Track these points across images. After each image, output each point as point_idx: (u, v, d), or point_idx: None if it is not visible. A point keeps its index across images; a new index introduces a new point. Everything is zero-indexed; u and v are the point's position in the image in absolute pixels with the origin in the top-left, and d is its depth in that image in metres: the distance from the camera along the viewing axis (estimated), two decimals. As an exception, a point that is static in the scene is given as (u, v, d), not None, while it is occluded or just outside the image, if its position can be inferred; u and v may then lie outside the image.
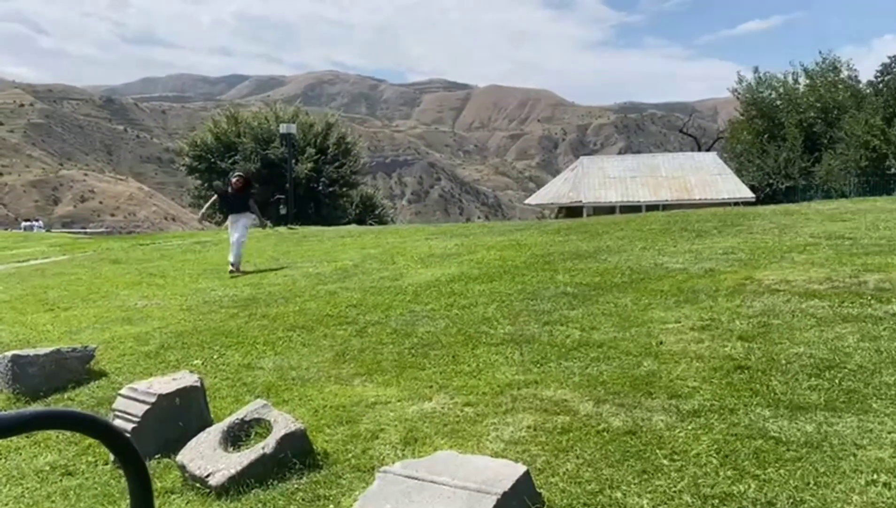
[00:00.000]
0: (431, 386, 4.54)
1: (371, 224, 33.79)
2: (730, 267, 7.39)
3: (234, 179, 11.83)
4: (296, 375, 5.18)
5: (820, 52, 48.23)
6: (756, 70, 48.62)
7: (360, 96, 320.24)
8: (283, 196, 24.37)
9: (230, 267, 10.62)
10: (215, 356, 5.90)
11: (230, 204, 11.62)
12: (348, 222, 28.98)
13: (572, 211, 31.51)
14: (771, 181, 42.89)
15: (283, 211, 23.73)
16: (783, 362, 4.17)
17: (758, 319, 5.21)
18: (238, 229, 11.04)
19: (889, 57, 45.22)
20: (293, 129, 25.97)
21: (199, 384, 4.44)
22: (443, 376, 4.74)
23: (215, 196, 12.70)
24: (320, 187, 29.77)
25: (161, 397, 4.24)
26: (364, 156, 39.18)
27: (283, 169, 26.15)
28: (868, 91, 45.18)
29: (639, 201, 31.48)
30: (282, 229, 19.28)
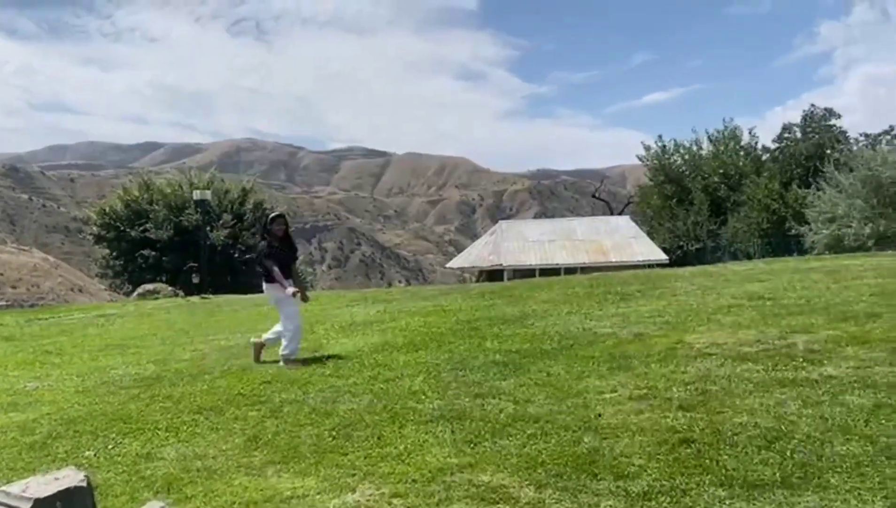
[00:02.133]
0: (355, 474, 4.08)
1: (290, 291, 32.82)
2: (659, 331, 7.28)
3: (276, 224, 7.71)
4: (201, 465, 4.61)
5: (723, 121, 51.06)
6: (660, 138, 51.03)
7: (279, 163, 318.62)
8: (196, 264, 23.39)
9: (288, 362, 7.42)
10: (110, 446, 5.25)
11: (285, 259, 7.69)
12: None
13: (493, 274, 31.59)
14: (681, 243, 44.46)
15: (195, 280, 22.73)
16: (729, 433, 3.94)
17: (695, 385, 5.02)
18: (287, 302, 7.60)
19: (784, 125, 48.38)
20: (207, 195, 25.22)
21: (85, 483, 3.81)
22: (367, 461, 4.29)
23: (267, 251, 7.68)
24: (237, 255, 28.86)
25: (38, 502, 3.62)
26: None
27: (197, 237, 25.23)
28: (766, 157, 47.98)
29: (558, 264, 31.87)
30: (195, 299, 18.38)
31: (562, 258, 32.78)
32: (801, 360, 5.43)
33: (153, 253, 27.48)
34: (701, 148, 49.72)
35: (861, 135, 44.57)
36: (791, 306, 7.82)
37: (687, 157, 49.97)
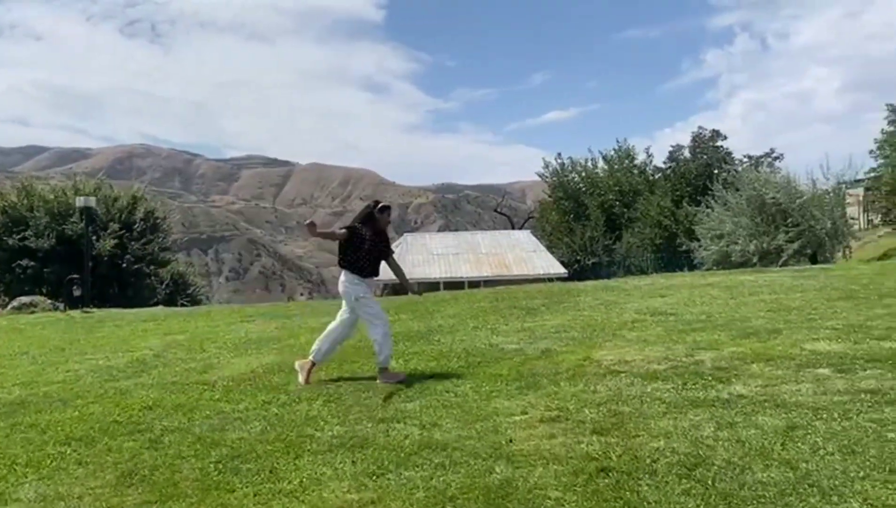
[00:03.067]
0: (242, 515, 3.63)
1: (183, 304, 31.32)
2: (566, 347, 7.14)
3: (386, 214, 6.66)
4: (64, 507, 4.03)
5: (616, 141, 52.84)
6: (559, 155, 52.36)
7: (174, 171, 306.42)
8: (77, 276, 21.78)
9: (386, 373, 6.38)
10: (-46, 487, 4.54)
11: (374, 256, 6.56)
12: (157, 303, 26.60)
13: (398, 288, 31.23)
14: (578, 258, 45.55)
15: (77, 293, 21.15)
16: (647, 460, 3.74)
17: (606, 406, 4.84)
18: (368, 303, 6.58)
19: (672, 146, 50.52)
20: (92, 202, 23.58)
21: None
22: (257, 499, 3.84)
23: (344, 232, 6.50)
24: (125, 265, 27.18)
25: None
26: (177, 232, 36.77)
27: (81, 246, 23.56)
28: (658, 176, 49.97)
29: (462, 277, 31.86)
30: (75, 313, 17.04)
31: (466, 272, 32.81)
32: (709, 378, 5.36)
33: (32, 263, 25.50)
34: (597, 166, 51.32)
35: (745, 156, 47.11)
36: (694, 322, 7.86)
37: (584, 174, 51.42)
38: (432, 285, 29.89)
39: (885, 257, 29.98)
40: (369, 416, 5.18)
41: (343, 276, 6.58)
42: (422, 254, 33.66)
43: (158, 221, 31.64)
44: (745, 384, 5.12)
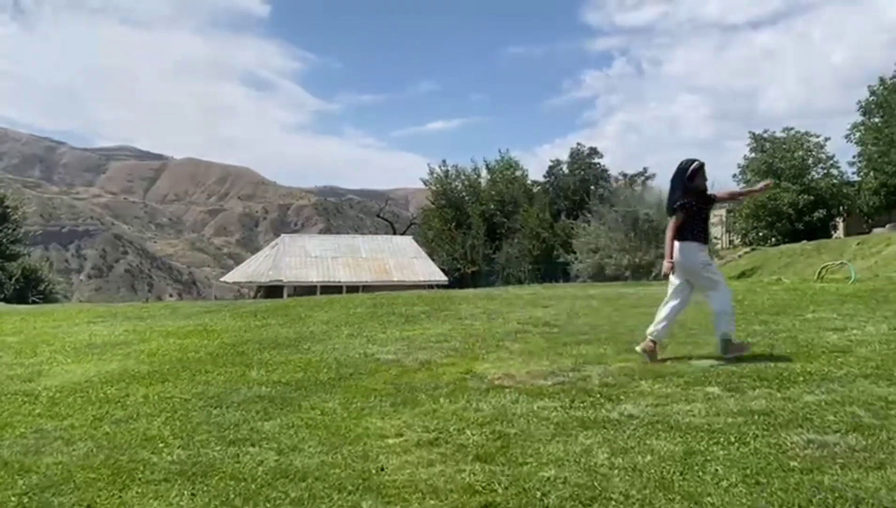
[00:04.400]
0: (36, 573, 2.85)
1: (35, 302, 28.70)
2: (446, 358, 6.65)
3: (699, 179, 6.20)
4: None
5: (499, 151, 53.65)
6: (444, 163, 52.49)
7: (35, 158, 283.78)
8: None
9: (730, 345, 6.11)
10: None
11: (707, 221, 6.43)
12: (4, 299, 24.09)
13: (272, 290, 29.92)
14: (459, 266, 45.76)
15: None
16: (537, 493, 3.28)
17: (490, 427, 4.36)
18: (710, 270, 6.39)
19: (552, 161, 51.87)
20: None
21: None
22: (61, 547, 3.06)
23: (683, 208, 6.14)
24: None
25: None
26: (32, 224, 33.72)
27: None
28: (538, 189, 51.11)
29: (340, 282, 31.00)
30: None
31: (345, 276, 31.95)
32: (598, 396, 5.01)
33: None
34: (480, 175, 51.88)
35: (620, 174, 49.07)
36: (578, 334, 7.59)
37: (467, 183, 51.83)
38: (308, 289, 28.84)
39: (743, 275, 31.83)
40: (219, 437, 4.45)
41: (682, 247, 6.19)
42: (299, 256, 32.48)
43: (9, 210, 28.83)
44: (636, 402, 4.80)
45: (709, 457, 3.63)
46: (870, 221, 40.99)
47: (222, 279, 37.05)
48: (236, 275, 33.56)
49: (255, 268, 32.80)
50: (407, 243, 38.77)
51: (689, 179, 6.14)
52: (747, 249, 40.94)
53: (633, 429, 4.19)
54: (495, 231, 48.20)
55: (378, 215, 66.85)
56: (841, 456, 3.48)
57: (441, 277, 34.37)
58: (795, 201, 40.83)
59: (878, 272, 17.00)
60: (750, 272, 31.84)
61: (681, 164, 6.21)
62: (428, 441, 4.14)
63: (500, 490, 3.34)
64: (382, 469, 3.73)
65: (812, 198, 41.28)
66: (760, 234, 43.15)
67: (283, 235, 37.55)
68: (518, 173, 51.47)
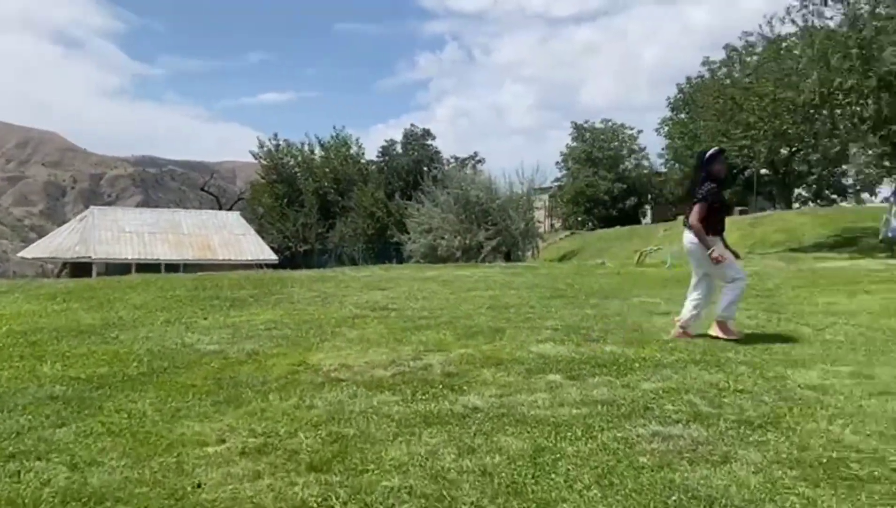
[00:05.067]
0: None
1: None
2: (276, 348, 6.12)
3: (718, 163, 6.24)
4: None
5: (333, 128, 52.57)
6: (275, 136, 50.60)
7: None
8: None
9: (723, 329, 6.19)
10: None
11: (721, 209, 6.37)
12: None
13: (80, 268, 27.24)
14: (290, 244, 44.46)
15: None
16: (380, 507, 2.92)
17: (326, 429, 3.95)
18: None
19: (386, 141, 51.68)
20: None
21: None
22: None
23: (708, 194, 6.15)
24: None
25: None
26: None
27: None
28: (373, 168, 50.72)
29: (158, 259, 28.88)
30: None
31: (164, 253, 29.81)
32: (440, 387, 4.75)
33: None
34: (314, 152, 50.58)
35: (452, 157, 49.91)
36: (417, 319, 7.33)
37: (300, 158, 50.36)
38: (122, 268, 26.60)
39: (564, 257, 33.51)
40: (-6, 452, 3.68)
41: (688, 235, 6.22)
42: (111, 231, 29.86)
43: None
44: (479, 393, 4.58)
45: (558, 455, 3.46)
46: (674, 208, 44.77)
47: (21, 255, 33.30)
48: (37, 250, 30.28)
49: (59, 243, 29.75)
50: (234, 219, 36.90)
51: (709, 162, 6.16)
52: (568, 232, 43.26)
53: (479, 424, 3.95)
54: (329, 209, 47.30)
55: (203, 189, 63.32)
56: (687, 451, 3.44)
57: (271, 255, 33.09)
58: (611, 189, 43.71)
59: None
60: (571, 255, 33.59)
61: (699, 153, 6.51)
62: (255, 449, 3.65)
63: (337, 507, 2.95)
64: (200, 486, 3.20)
65: (625, 186, 44.40)
66: (580, 219, 45.79)
67: (92, 207, 34.31)
68: (353, 151, 50.73)
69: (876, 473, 3.10)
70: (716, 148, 6.42)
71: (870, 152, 19.62)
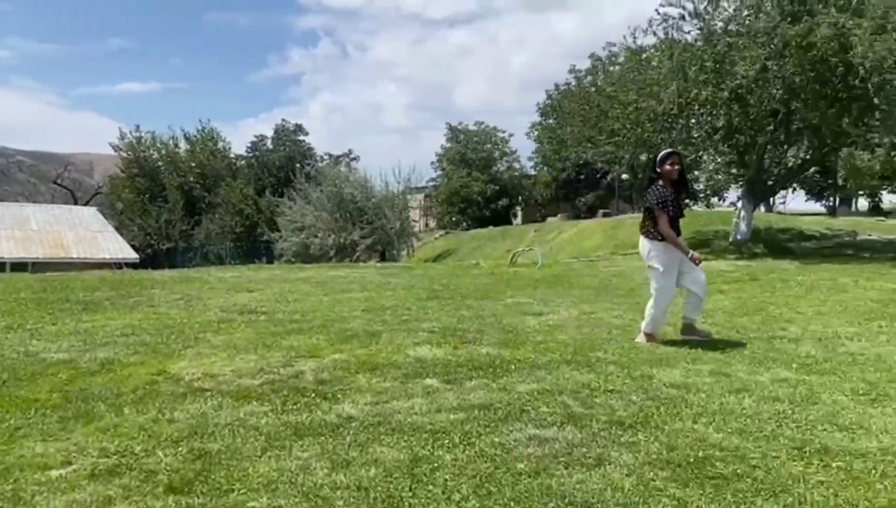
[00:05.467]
0: None
1: None
2: (134, 356, 5.68)
3: (670, 163, 6.03)
4: None
5: (199, 121, 50.44)
6: (137, 128, 47.95)
7: None
8: None
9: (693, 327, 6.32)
10: None
11: (676, 211, 6.10)
12: None
13: None
14: (153, 242, 42.18)
15: None
16: (248, 532, 2.72)
17: (188, 444, 3.67)
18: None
19: (256, 136, 50.20)
20: None
21: None
22: None
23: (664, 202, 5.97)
24: None
25: None
26: None
27: None
28: (242, 164, 49.06)
29: (2, 258, 26.51)
30: None
31: (8, 250, 27.41)
32: (313, 395, 4.55)
33: None
34: (178, 145, 48.31)
35: (326, 154, 49.18)
36: (288, 323, 7.05)
37: (164, 152, 47.95)
38: (-42, 266, 24.21)
39: (439, 257, 33.80)
40: None
41: (645, 240, 6.14)
42: (-54, 226, 27.12)
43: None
44: (354, 401, 4.43)
45: (436, 464, 3.37)
46: (543, 210, 46.32)
47: None
48: None
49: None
50: (90, 214, 34.51)
51: (660, 162, 6.04)
52: (443, 232, 43.72)
53: (354, 435, 3.80)
54: (195, 206, 45.31)
55: (56, 182, 58.84)
56: (562, 454, 3.45)
57: (131, 254, 31.20)
58: (484, 190, 44.60)
59: (556, 258, 19.01)
60: (446, 254, 33.92)
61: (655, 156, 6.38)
62: (106, 470, 3.32)
63: (200, 533, 2.72)
64: (39, 517, 2.87)
65: (497, 188, 45.45)
66: (454, 218, 46.40)
67: (-77, 200, 31.00)
68: (220, 146, 48.85)
69: (738, 471, 3.23)
70: (668, 150, 6.43)
71: (718, 160, 21.08)
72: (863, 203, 44.70)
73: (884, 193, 43.04)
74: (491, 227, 39.04)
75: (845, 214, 33.58)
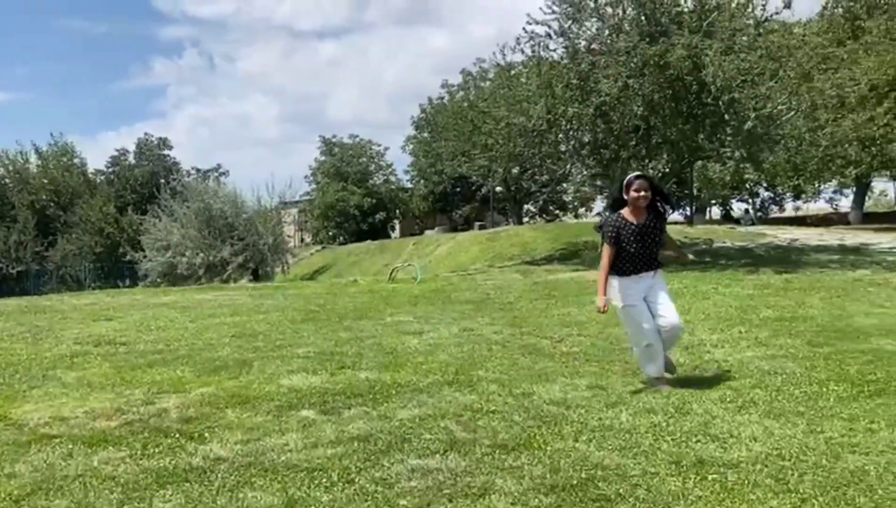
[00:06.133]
0: None
1: None
2: (-32, 401, 5.06)
3: (633, 189, 5.03)
4: None
5: (52, 135, 47.13)
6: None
7: None
8: None
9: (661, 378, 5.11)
10: None
11: (641, 243, 5.09)
12: None
13: None
14: (1, 265, 38.88)
15: None
16: None
17: (30, 503, 3.26)
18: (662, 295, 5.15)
19: (117, 150, 47.47)
20: None
21: None
22: None
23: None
24: None
25: None
26: None
27: None
28: (101, 180, 46.24)
29: None
30: None
31: None
32: (177, 436, 4.20)
33: None
34: (28, 161, 44.92)
35: (193, 168, 47.17)
36: (151, 354, 6.56)
37: (11, 169, 44.44)
38: None
39: (317, 273, 33.15)
40: None
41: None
42: None
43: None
44: (223, 440, 4.12)
45: (312, 507, 3.16)
46: (420, 223, 46.58)
47: None
48: None
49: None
50: (-78, 237, 31.23)
51: (625, 188, 5.10)
52: (319, 247, 42.97)
53: (223, 479, 3.52)
54: (48, 225, 42.16)
55: None
56: (447, 486, 3.33)
57: (-28, 279, 28.47)
58: (361, 204, 44.29)
59: (435, 272, 19.04)
60: (323, 270, 33.33)
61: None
62: (-74, 545, 2.88)
63: None
64: None
65: (374, 201, 45.27)
66: (330, 233, 45.75)
67: None
68: (76, 161, 45.80)
69: (621, 490, 3.22)
70: (636, 173, 5.59)
71: (584, 172, 21.92)
72: (716, 211, 48.05)
73: (733, 201, 46.49)
74: (369, 241, 38.75)
75: (701, 222, 35.91)
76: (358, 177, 46.02)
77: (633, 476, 3.41)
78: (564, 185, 39.63)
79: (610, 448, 3.82)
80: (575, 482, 3.35)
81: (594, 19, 15.57)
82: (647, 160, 16.15)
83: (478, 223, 40.91)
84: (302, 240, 48.77)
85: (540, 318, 8.51)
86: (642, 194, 5.00)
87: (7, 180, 43.99)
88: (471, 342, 7.02)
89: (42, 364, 6.18)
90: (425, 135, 43.61)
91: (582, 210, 48.13)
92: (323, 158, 48.54)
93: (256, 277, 28.68)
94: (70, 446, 4.05)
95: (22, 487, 3.46)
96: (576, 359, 6.12)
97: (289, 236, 37.46)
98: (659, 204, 5.18)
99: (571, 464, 3.58)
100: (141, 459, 3.84)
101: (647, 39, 14.30)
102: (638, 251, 5.05)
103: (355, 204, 44.15)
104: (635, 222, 5.05)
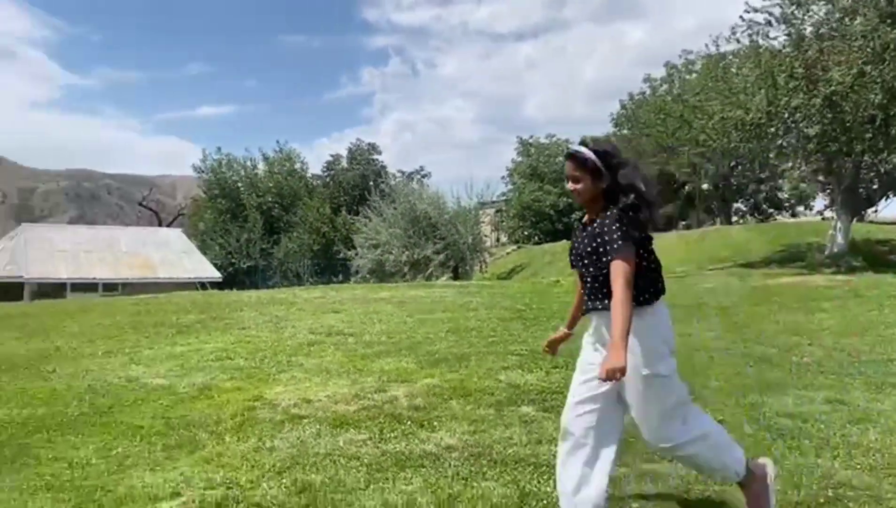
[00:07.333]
0: None
1: None
2: (230, 380, 5.76)
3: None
4: None
5: (277, 142, 51.82)
6: (219, 150, 49.55)
7: None
8: None
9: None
10: None
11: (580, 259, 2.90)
12: None
13: (9, 290, 25.95)
14: (233, 261, 43.47)
15: None
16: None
17: (291, 476, 3.64)
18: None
19: (332, 155, 51.20)
20: None
21: None
22: None
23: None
24: None
25: None
26: None
27: None
28: (317, 183, 50.16)
29: (95, 279, 27.78)
30: None
31: (101, 273, 28.68)
32: (409, 423, 4.49)
33: None
34: (256, 167, 49.73)
35: (398, 171, 49.70)
36: (376, 345, 7.05)
37: (243, 173, 49.43)
38: (57, 288, 25.47)
39: (513, 271, 33.55)
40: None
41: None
42: (43, 250, 28.59)
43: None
44: (451, 430, 4.34)
45: (545, 501, 3.24)
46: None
47: (-56, 275, 31.57)
48: (-37, 270, 28.72)
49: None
50: (175, 236, 35.89)
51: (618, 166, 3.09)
52: (515, 246, 43.44)
53: (455, 466, 3.71)
54: (273, 225, 46.48)
55: (141, 204, 61.52)
56: (680, 491, 3.25)
57: (214, 273, 32.22)
58: (556, 204, 44.13)
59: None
60: (519, 269, 33.64)
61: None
62: (214, 503, 3.33)
63: (313, 574, 2.67)
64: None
65: (570, 201, 44.90)
66: (526, 233, 46.05)
67: (24, 223, 32.86)
68: (297, 166, 50.06)
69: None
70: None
71: (804, 168, 20.18)
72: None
73: None
74: (564, 241, 38.50)
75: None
76: (554, 177, 45.88)
77: (888, 498, 3.13)
78: (780, 181, 36.79)
79: (859, 466, 3.53)
80: (822, 500, 3.13)
81: (822, 3, 14.29)
82: (885, 153, 14.54)
83: (682, 223, 39.15)
84: (498, 239, 49.57)
85: (763, 324, 8.00)
86: (569, 184, 2.95)
87: (240, 184, 49.09)
88: (689, 348, 6.76)
89: (285, 351, 6.87)
90: (625, 131, 42.50)
91: (800, 208, 44.29)
92: (520, 158, 48.99)
93: (456, 274, 29.64)
94: (317, 426, 4.47)
95: (282, 461, 3.88)
96: (808, 370, 5.68)
97: (486, 236, 38.28)
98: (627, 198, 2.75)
99: (815, 481, 3.35)
100: (379, 442, 4.15)
101: (889, 21, 12.87)
102: (583, 274, 2.96)
103: (551, 204, 44.08)
104: (585, 226, 2.95)
